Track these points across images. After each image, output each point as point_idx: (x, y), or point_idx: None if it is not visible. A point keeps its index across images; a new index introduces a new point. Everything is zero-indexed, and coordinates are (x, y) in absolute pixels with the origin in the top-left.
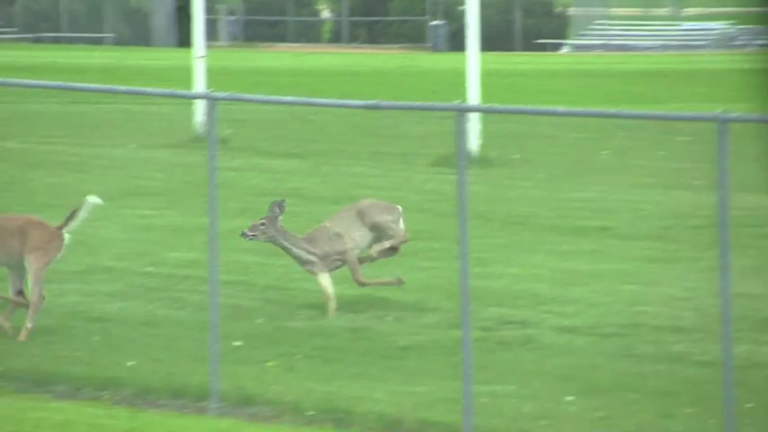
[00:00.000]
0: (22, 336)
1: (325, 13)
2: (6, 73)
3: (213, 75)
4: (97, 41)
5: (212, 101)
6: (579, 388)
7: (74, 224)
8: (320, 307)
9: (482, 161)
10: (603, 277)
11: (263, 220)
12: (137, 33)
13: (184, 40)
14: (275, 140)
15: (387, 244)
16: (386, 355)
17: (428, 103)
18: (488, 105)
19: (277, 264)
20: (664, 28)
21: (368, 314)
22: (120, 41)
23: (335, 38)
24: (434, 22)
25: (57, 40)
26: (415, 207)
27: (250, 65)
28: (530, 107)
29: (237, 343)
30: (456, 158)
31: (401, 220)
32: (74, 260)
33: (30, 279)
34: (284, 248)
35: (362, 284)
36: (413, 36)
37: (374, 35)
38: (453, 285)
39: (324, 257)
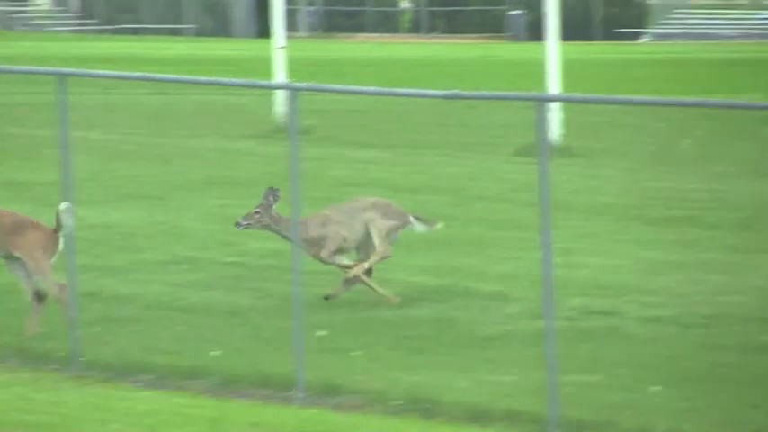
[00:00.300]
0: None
1: (405, 3)
2: (88, 64)
3: (293, 65)
4: (177, 32)
5: (294, 91)
6: (664, 378)
7: (65, 231)
8: (404, 296)
9: (564, 151)
10: (688, 267)
11: (258, 209)
12: (217, 24)
13: (264, 31)
14: (356, 131)
15: (365, 265)
16: (471, 344)
17: (508, 93)
18: (568, 95)
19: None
20: (744, 17)
21: (452, 304)
22: (200, 32)
23: (415, 28)
24: (513, 12)
25: (137, 32)
26: (497, 197)
27: (330, 55)
28: (611, 96)
29: (322, 332)
30: (537, 148)
31: (400, 230)
32: (157, 250)
33: (41, 280)
34: (281, 235)
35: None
36: (492, 26)
37: (453, 25)
38: (537, 275)
39: (313, 242)
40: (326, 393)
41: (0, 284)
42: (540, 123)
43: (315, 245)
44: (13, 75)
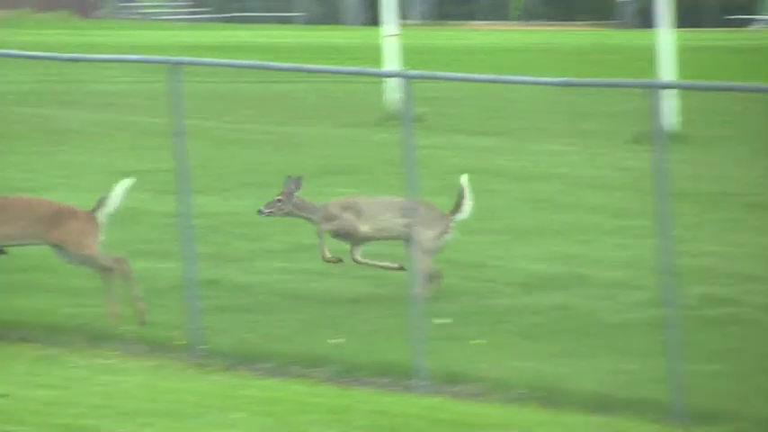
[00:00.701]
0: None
1: None
2: (200, 53)
3: (404, 53)
4: (287, 21)
5: (407, 79)
6: None
7: (106, 210)
8: (524, 285)
9: (681, 138)
10: None
11: (280, 197)
12: (327, 12)
13: (374, 19)
14: (468, 118)
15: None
16: (591, 332)
17: (621, 80)
18: (680, 81)
19: (480, 241)
20: None
21: (572, 292)
22: (310, 20)
23: (525, 15)
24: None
25: (247, 20)
26: (612, 184)
27: (441, 43)
28: (727, 83)
29: (442, 320)
30: (651, 135)
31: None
32: (276, 239)
33: (93, 266)
34: (307, 220)
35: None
36: (602, 13)
37: (563, 12)
38: (656, 263)
39: (327, 218)
40: (447, 382)
41: None
42: (654, 111)
43: (328, 221)
44: (127, 63)
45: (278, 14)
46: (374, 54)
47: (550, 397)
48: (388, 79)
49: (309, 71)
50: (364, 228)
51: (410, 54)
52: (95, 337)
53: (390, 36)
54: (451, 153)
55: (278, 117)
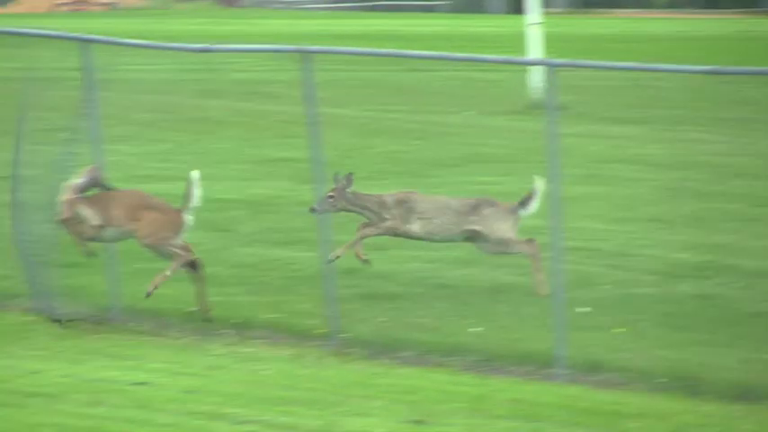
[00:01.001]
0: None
1: None
2: (343, 41)
3: (548, 41)
4: (431, 9)
5: (551, 67)
6: None
7: (192, 203)
8: (666, 274)
9: None
10: None
11: (332, 193)
12: (471, 1)
13: (517, 8)
14: (613, 107)
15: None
16: (735, 321)
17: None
18: None
19: (622, 230)
20: None
21: (715, 281)
22: (454, 9)
23: (671, 3)
24: None
25: (391, 9)
26: (757, 172)
27: (585, 31)
28: None
29: (583, 309)
30: None
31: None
32: None
33: (167, 256)
34: (359, 213)
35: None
36: (747, 0)
37: (708, 0)
38: None
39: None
40: (588, 371)
41: (263, 262)
42: None
43: (376, 215)
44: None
45: (422, 3)
46: (518, 42)
47: (692, 386)
48: (531, 68)
49: (453, 60)
50: (414, 227)
51: (553, 42)
52: (235, 326)
53: (534, 24)
54: (594, 141)
55: (422, 105)
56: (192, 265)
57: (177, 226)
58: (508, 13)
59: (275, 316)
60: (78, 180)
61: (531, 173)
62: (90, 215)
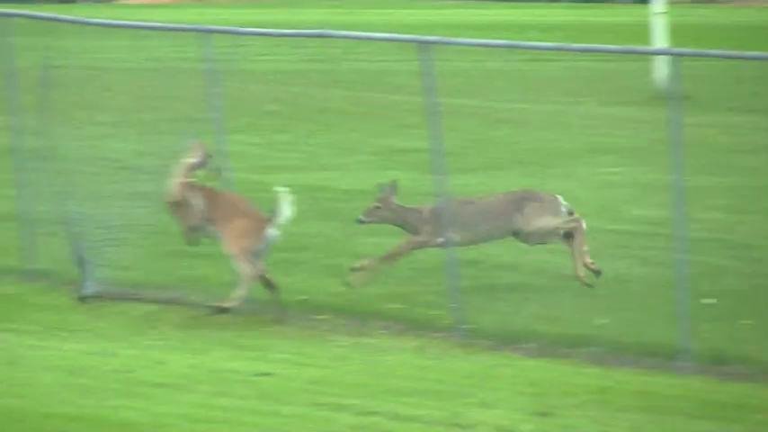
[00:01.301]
0: (227, 303)
1: None
2: (463, 31)
3: (673, 31)
4: (553, 0)
5: (675, 57)
6: None
7: (279, 220)
8: None
9: None
10: None
11: (378, 203)
12: None
13: None
14: (738, 96)
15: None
16: None
17: None
18: None
19: (748, 220)
20: None
21: None
22: None
23: None
24: None
25: None
26: None
27: (709, 21)
28: None
29: (709, 300)
30: None
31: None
32: None
33: (234, 262)
34: (400, 226)
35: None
36: None
37: None
38: None
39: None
40: (714, 363)
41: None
42: None
43: (413, 228)
44: (387, 42)
45: None
46: (643, 32)
47: None
48: (655, 58)
49: (575, 50)
50: (456, 238)
51: (679, 32)
52: (359, 317)
53: (658, 14)
54: (718, 131)
55: (543, 96)
56: (268, 285)
57: (259, 235)
58: (633, 2)
59: (398, 306)
60: (191, 160)
61: (657, 163)
62: (198, 204)
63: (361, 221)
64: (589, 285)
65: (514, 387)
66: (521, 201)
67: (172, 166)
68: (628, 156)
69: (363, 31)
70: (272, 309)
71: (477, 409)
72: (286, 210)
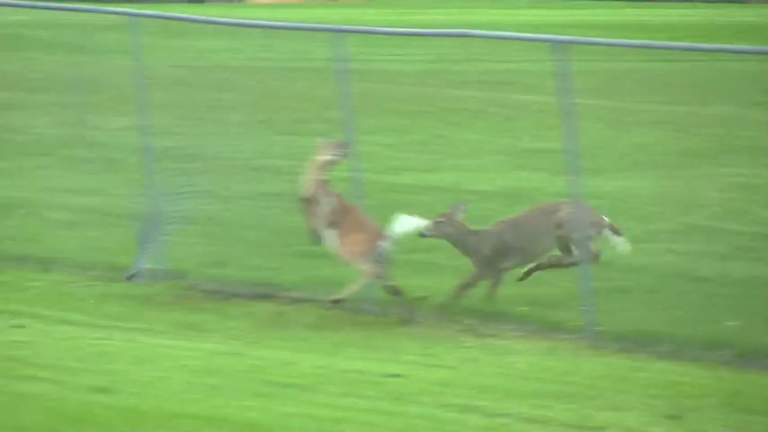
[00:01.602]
0: (339, 296)
1: None
2: (594, 31)
3: None
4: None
5: None
6: None
7: (393, 237)
8: None
9: None
10: None
11: (442, 217)
12: None
13: None
14: None
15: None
16: None
17: None
18: None
19: None
20: None
21: None
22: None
23: None
24: None
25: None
26: None
27: None
28: None
29: None
30: None
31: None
32: (670, 220)
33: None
34: (459, 247)
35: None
36: None
37: None
38: None
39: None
40: None
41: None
42: None
43: (469, 252)
44: (520, 41)
45: None
46: None
47: None
48: None
49: (708, 50)
50: (507, 265)
51: None
52: (487, 318)
53: None
54: None
55: (677, 97)
56: (395, 292)
57: (372, 247)
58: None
59: (528, 308)
60: (326, 157)
61: None
62: (328, 204)
63: (423, 235)
64: (520, 280)
65: (645, 390)
66: (557, 210)
67: (304, 166)
68: (759, 156)
69: (493, 30)
70: (400, 309)
71: (607, 411)
72: (400, 228)
